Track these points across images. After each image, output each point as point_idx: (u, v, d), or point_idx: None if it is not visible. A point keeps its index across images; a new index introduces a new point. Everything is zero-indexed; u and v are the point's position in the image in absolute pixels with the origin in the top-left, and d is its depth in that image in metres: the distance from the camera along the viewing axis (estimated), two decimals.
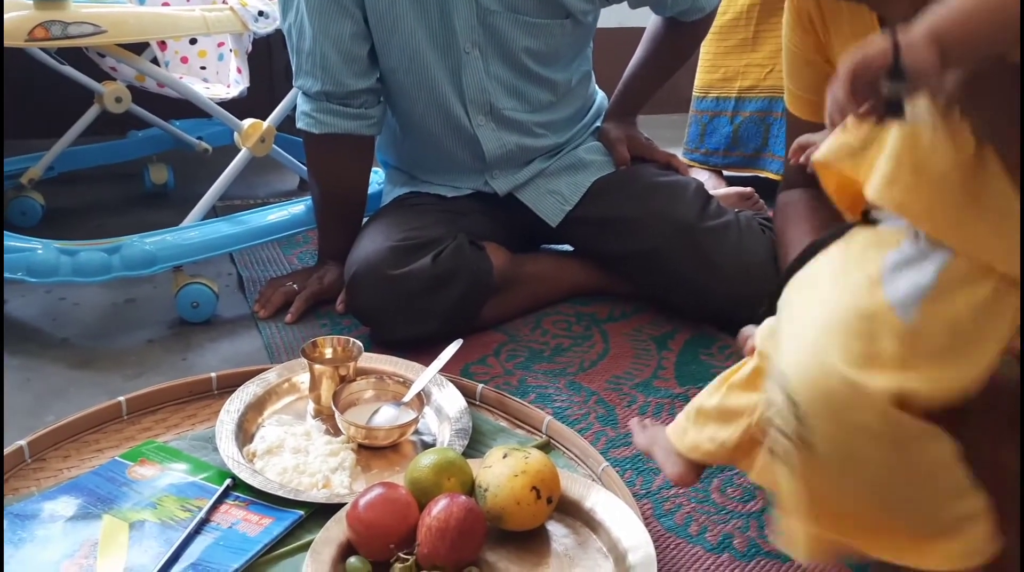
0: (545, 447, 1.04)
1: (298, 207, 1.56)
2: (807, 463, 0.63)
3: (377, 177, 1.64)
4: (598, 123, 1.55)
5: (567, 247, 1.55)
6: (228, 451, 0.99)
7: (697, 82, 2.08)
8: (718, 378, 0.82)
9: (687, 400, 1.16)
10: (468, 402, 1.10)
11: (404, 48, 1.30)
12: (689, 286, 1.34)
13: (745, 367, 0.79)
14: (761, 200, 1.71)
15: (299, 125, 1.37)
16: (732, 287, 1.30)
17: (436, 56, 1.31)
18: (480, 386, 1.14)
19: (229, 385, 1.12)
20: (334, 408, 1.05)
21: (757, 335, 0.78)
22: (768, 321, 0.77)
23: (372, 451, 1.04)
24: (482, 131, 1.38)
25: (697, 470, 0.83)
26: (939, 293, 0.62)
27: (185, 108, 1.76)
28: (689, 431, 0.82)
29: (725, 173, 2.02)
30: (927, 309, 0.62)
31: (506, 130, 1.39)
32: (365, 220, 1.45)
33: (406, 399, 1.08)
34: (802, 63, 0.99)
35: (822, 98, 0.73)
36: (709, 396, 0.82)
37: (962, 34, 0.57)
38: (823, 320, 0.64)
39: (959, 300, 0.62)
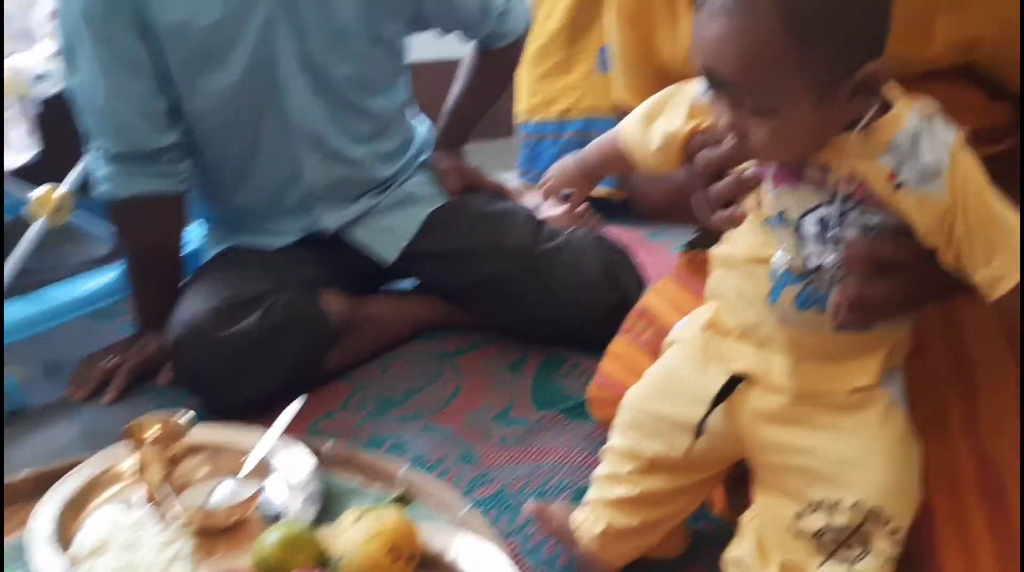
0: (403, 500, 0.98)
1: (110, 275, 1.44)
2: None
3: (196, 233, 1.54)
4: (425, 156, 1.53)
5: (411, 283, 1.51)
6: (45, 561, 0.88)
7: (520, 107, 2.12)
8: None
9: (545, 426, 1.16)
10: (316, 463, 1.03)
11: (215, 88, 1.23)
12: (532, 310, 1.33)
13: None
14: (595, 216, 1.74)
15: (98, 191, 1.27)
16: (573, 306, 1.31)
17: (255, 89, 1.25)
18: (328, 444, 1.07)
19: (43, 484, 1.00)
20: (164, 493, 0.95)
21: None
22: None
23: (214, 534, 0.95)
24: (306, 162, 1.33)
25: None
26: None
27: None
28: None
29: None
30: None
31: (332, 161, 1.35)
32: (185, 281, 1.35)
33: (246, 471, 1.00)
34: (632, 59, 0.99)
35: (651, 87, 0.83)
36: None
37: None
38: None
39: None
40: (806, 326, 0.71)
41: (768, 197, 0.71)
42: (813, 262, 0.69)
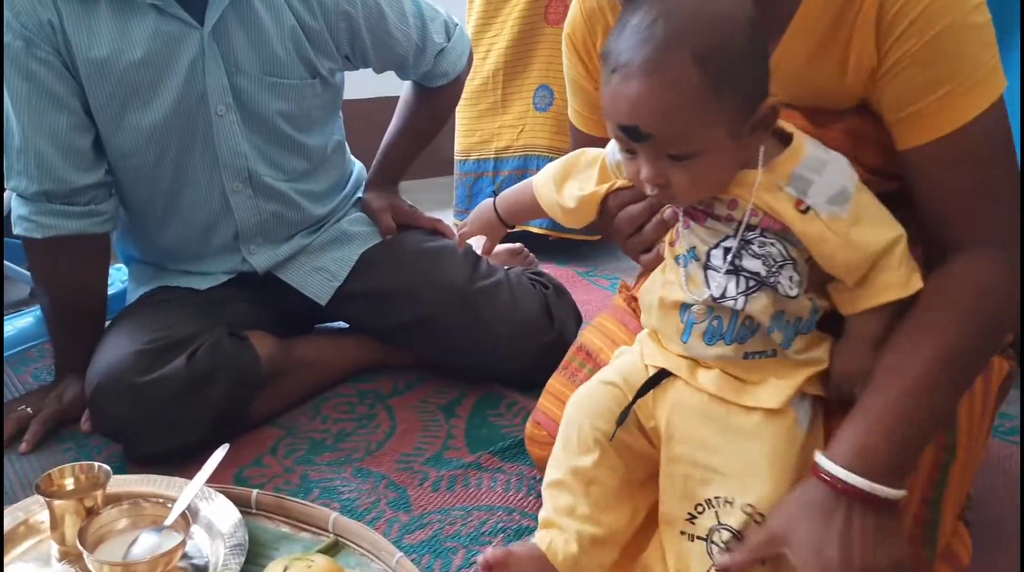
0: (333, 548, 0.95)
1: (26, 319, 1.38)
2: None
3: (121, 274, 1.48)
4: (359, 194, 1.52)
5: (342, 324, 1.48)
6: None
7: (457, 146, 2.13)
8: None
9: (480, 467, 1.15)
10: (243, 512, 0.99)
11: (142, 125, 1.20)
12: (467, 348, 1.32)
13: None
14: (531, 254, 1.75)
15: (17, 231, 1.22)
16: (508, 343, 1.31)
17: (184, 126, 1.22)
18: (255, 492, 1.04)
19: None
20: (81, 547, 0.90)
21: None
22: None
23: None
24: (237, 198, 1.30)
25: None
26: None
27: None
28: None
29: None
30: None
31: (263, 198, 1.32)
32: (107, 324, 1.30)
33: (169, 522, 0.95)
34: (576, 87, 1.03)
35: (598, 116, 0.94)
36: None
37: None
38: None
39: None
40: (716, 358, 0.78)
41: (680, 235, 0.78)
42: (717, 292, 0.75)
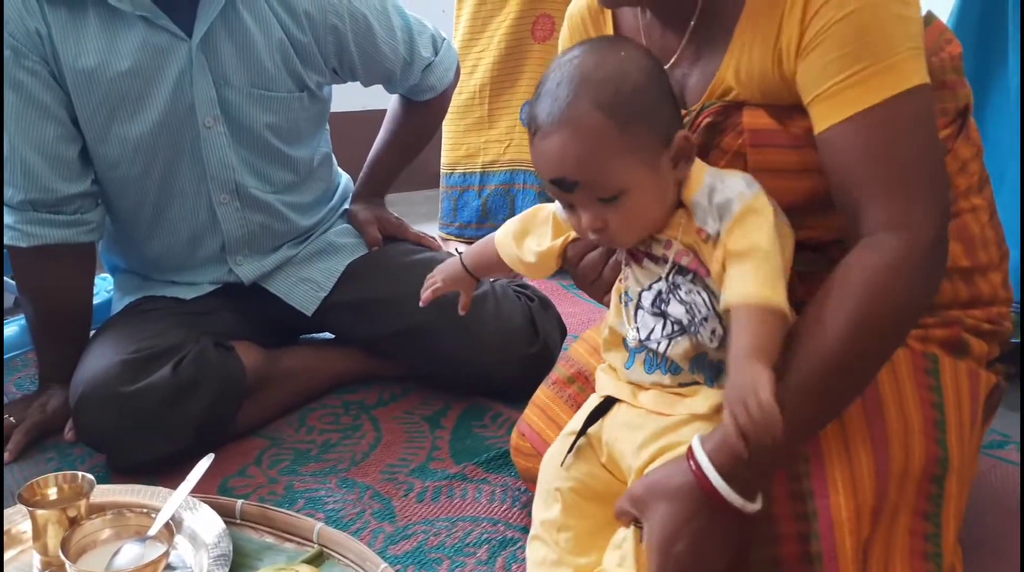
0: (318, 559, 0.96)
1: (11, 329, 1.38)
2: None
3: (106, 284, 1.48)
4: (346, 206, 1.53)
5: (327, 335, 1.48)
6: None
7: (444, 159, 2.14)
8: None
9: (465, 478, 1.15)
10: (227, 522, 0.99)
11: (129, 135, 1.21)
12: (453, 359, 1.33)
13: None
14: None
15: (3, 238, 1.21)
16: (493, 354, 1.31)
17: (171, 137, 1.23)
18: (239, 502, 1.04)
19: None
20: (63, 558, 0.90)
21: None
22: None
23: None
24: (224, 210, 1.30)
25: None
26: None
27: None
28: None
29: None
30: None
31: (250, 209, 1.32)
32: (92, 334, 1.30)
33: (152, 532, 0.95)
34: None
35: None
36: None
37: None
38: None
39: None
40: (654, 384, 0.81)
41: (625, 275, 0.83)
42: (643, 333, 0.80)
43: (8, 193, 1.19)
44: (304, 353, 1.42)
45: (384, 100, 1.54)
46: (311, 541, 0.99)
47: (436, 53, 1.45)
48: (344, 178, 1.56)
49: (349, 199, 1.54)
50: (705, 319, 0.76)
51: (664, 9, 0.86)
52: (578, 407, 0.91)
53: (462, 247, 2.04)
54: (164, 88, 1.20)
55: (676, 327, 0.78)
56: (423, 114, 1.53)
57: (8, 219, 1.21)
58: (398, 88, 1.47)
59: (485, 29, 2.03)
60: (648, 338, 0.79)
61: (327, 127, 1.46)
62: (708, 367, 0.78)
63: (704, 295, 0.77)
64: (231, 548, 0.95)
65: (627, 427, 0.82)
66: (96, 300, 1.36)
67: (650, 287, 0.80)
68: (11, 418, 1.25)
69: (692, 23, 0.84)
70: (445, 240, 2.12)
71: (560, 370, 1.08)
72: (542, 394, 1.08)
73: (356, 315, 1.39)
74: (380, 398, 1.40)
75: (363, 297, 1.38)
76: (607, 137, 0.73)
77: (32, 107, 1.16)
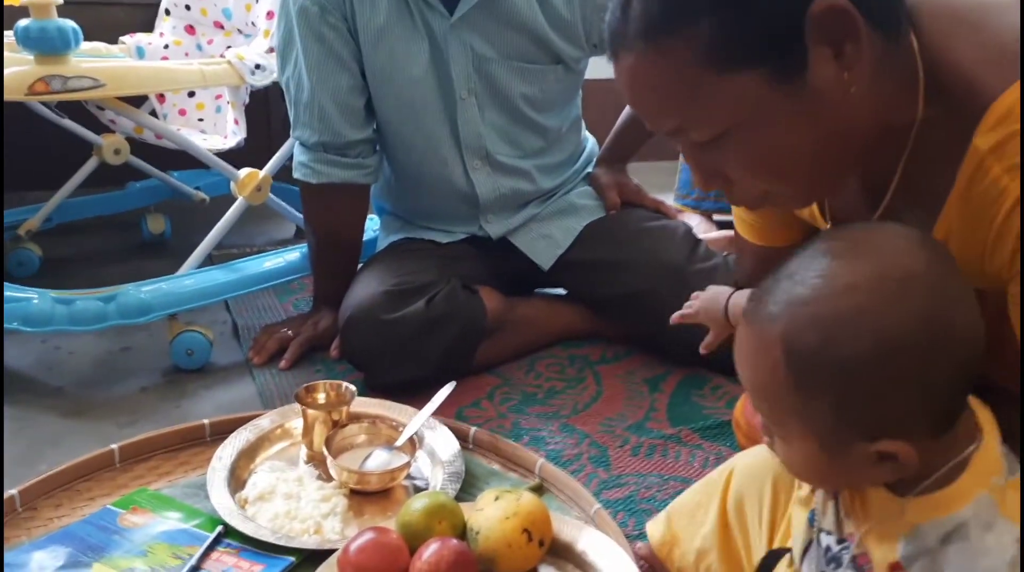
0: (538, 490, 1.04)
1: (293, 254, 1.58)
2: None
3: (373, 224, 1.66)
4: (589, 169, 1.58)
5: (559, 290, 1.56)
6: (220, 498, 0.99)
7: None
8: None
9: (679, 441, 1.18)
10: (461, 445, 1.10)
11: (400, 99, 1.33)
12: (677, 327, 1.34)
13: None
14: None
15: (296, 175, 1.40)
16: None
17: (432, 105, 1.34)
18: (473, 429, 1.14)
19: (222, 432, 1.12)
20: (326, 453, 1.05)
21: None
22: None
23: (364, 496, 1.03)
24: (477, 175, 1.40)
25: None
26: None
27: (182, 159, 1.79)
28: None
29: (715, 217, 2.05)
30: None
31: (501, 175, 1.41)
32: (360, 266, 1.46)
33: (399, 443, 1.08)
34: None
35: (766, 223, 0.95)
36: None
37: None
38: None
39: None
40: None
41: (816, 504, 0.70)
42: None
43: (306, 134, 1.35)
44: (538, 304, 1.50)
45: None
46: (533, 473, 1.07)
47: None
48: (591, 141, 1.61)
49: (593, 163, 1.59)
50: None
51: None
52: None
53: (694, 218, 2.03)
54: (429, 62, 1.30)
55: None
56: None
57: (303, 158, 1.38)
58: None
59: None
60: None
61: (579, 92, 1.51)
62: None
63: None
64: (463, 468, 1.05)
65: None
66: (364, 237, 1.52)
67: (817, 536, 0.67)
68: (288, 331, 1.45)
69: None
70: (679, 211, 2.12)
71: None
72: None
73: (587, 274, 1.44)
74: (603, 356, 1.45)
75: (596, 258, 1.44)
76: (779, 383, 0.62)
77: (332, 59, 1.30)
